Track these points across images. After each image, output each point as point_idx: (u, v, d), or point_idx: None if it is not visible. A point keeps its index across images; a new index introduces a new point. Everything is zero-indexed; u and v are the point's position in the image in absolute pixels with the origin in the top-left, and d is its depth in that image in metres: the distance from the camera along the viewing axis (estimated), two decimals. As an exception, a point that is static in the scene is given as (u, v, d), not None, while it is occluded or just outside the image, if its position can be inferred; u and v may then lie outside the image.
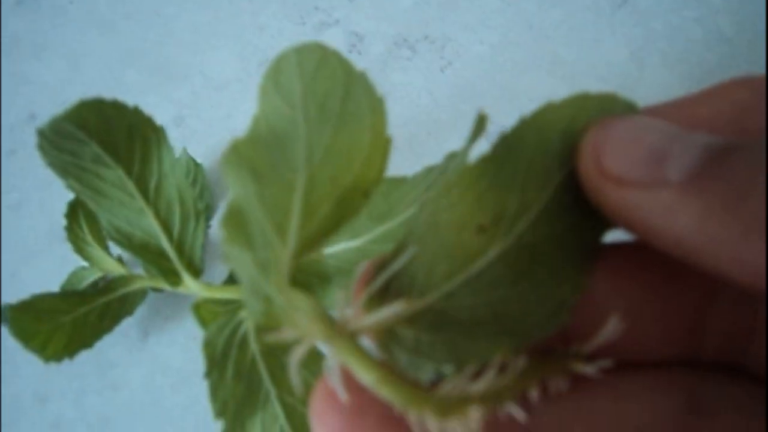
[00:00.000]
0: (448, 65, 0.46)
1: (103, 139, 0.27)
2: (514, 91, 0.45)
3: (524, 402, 0.14)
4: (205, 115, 0.45)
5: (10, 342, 0.33)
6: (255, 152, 0.15)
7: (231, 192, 0.14)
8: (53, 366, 0.34)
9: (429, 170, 0.28)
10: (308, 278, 0.30)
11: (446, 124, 0.44)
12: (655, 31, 0.45)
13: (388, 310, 0.14)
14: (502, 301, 0.14)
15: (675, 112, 0.14)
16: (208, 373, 0.28)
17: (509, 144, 0.15)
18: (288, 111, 0.15)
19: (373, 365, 0.13)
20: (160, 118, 0.31)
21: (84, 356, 0.35)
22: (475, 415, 0.13)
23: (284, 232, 0.14)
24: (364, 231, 0.29)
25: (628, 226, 0.14)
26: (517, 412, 0.13)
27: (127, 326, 0.38)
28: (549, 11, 0.46)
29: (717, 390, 0.15)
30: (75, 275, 0.40)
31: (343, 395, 0.13)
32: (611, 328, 0.14)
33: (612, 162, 0.13)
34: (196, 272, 0.34)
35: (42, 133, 0.26)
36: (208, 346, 0.28)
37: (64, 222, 0.38)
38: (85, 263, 0.40)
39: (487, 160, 0.14)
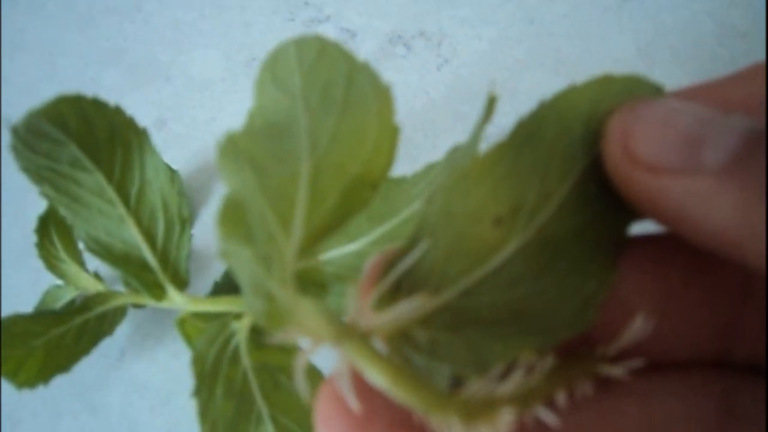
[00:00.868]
0: (445, 63, 0.46)
1: (83, 141, 0.27)
2: (514, 90, 0.45)
3: (550, 406, 0.14)
4: (188, 118, 0.45)
5: (-20, 362, 0.33)
6: (253, 144, 0.14)
7: (227, 185, 0.14)
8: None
9: (430, 168, 0.28)
10: (304, 287, 0.30)
11: (443, 125, 0.44)
12: (665, 25, 0.45)
13: (404, 306, 0.14)
14: (524, 299, 0.14)
15: (706, 95, 0.14)
16: (197, 392, 0.27)
17: (528, 129, 0.14)
18: (287, 103, 0.15)
19: (390, 367, 0.13)
20: (140, 121, 0.31)
21: (59, 377, 0.34)
22: (505, 418, 0.13)
23: (288, 224, 0.14)
24: (362, 233, 0.29)
25: (658, 217, 0.13)
26: (548, 416, 0.13)
27: (104, 345, 0.37)
28: (552, 5, 0.46)
29: (752, 394, 0.15)
30: (49, 294, 0.40)
31: (353, 401, 0.13)
32: (638, 327, 0.14)
33: (642, 147, 0.13)
34: (181, 285, 0.33)
35: (16, 132, 0.25)
36: (197, 361, 0.27)
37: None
38: (59, 281, 0.39)
39: (503, 147, 0.14)
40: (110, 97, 0.29)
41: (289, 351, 0.30)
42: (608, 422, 0.15)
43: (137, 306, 0.37)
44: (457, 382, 0.14)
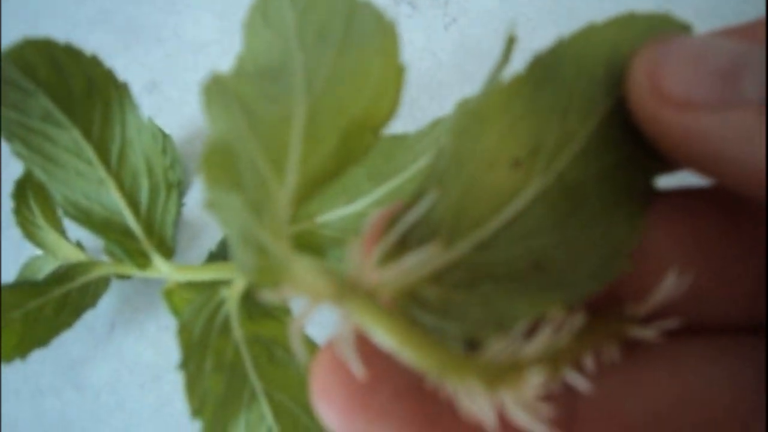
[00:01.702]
0: (453, 22, 0.45)
1: (55, 92, 0.26)
2: (525, 49, 0.44)
3: (578, 370, 0.13)
4: (181, 81, 0.44)
5: (-42, 337, 0.32)
6: (243, 84, 0.14)
7: (212, 127, 0.13)
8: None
9: (435, 124, 0.27)
10: (300, 251, 0.29)
11: (450, 86, 0.43)
12: (686, -21, 0.44)
13: (412, 260, 0.13)
14: (545, 250, 0.13)
15: (738, 34, 0.14)
16: (184, 364, 0.26)
17: (545, 67, 0.14)
18: (280, 44, 0.15)
19: (401, 326, 0.12)
20: (131, 84, 0.30)
21: (41, 352, 0.33)
22: (532, 382, 0.12)
23: (281, 169, 0.13)
24: (362, 193, 0.27)
25: (691, 159, 0.13)
26: (577, 380, 0.12)
27: (91, 318, 0.37)
28: (564, -41, 0.45)
29: None
30: (29, 266, 0.39)
31: (357, 367, 0.12)
32: (670, 284, 0.13)
33: (673, 82, 0.12)
34: (168, 253, 0.33)
35: (-19, 81, 0.24)
36: (184, 331, 0.27)
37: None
38: (39, 251, 0.38)
39: (520, 82, 0.14)
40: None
41: (285, 321, 0.29)
42: (637, 388, 0.14)
43: (122, 277, 0.36)
44: (470, 346, 0.13)
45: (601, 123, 0.14)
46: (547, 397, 0.13)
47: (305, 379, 0.28)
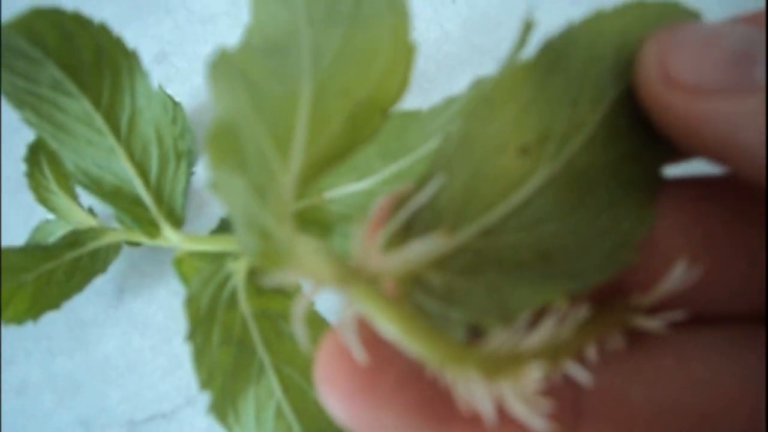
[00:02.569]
0: (460, -5, 0.44)
1: (64, 61, 0.25)
2: (536, 26, 0.43)
3: (580, 361, 0.13)
4: (190, 52, 0.43)
5: (-30, 298, 0.32)
6: (249, 61, 0.13)
7: (217, 106, 0.12)
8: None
9: (449, 102, 0.26)
10: (307, 227, 0.28)
11: (458, 58, 0.42)
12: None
13: (417, 246, 0.12)
14: (552, 238, 0.13)
15: (746, 21, 0.13)
16: (191, 336, 0.26)
17: (555, 52, 0.13)
18: (288, 17, 0.14)
19: (402, 314, 0.12)
20: (140, 55, 0.29)
21: (53, 315, 0.33)
22: (532, 374, 0.11)
23: (286, 150, 0.12)
24: (372, 171, 0.27)
25: (703, 146, 0.12)
26: (578, 372, 0.12)
27: (101, 282, 0.37)
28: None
29: None
30: (40, 229, 0.39)
31: (359, 352, 0.12)
32: (678, 274, 0.13)
33: (684, 68, 0.12)
34: (177, 222, 0.32)
35: (-7, 51, 0.23)
36: (191, 304, 0.26)
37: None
38: (51, 215, 0.38)
39: (530, 67, 0.13)
40: (109, 28, 0.28)
41: (293, 296, 0.28)
42: (643, 379, 0.13)
43: (132, 244, 0.36)
44: (474, 333, 0.12)
45: (611, 111, 0.13)
46: (553, 387, 0.13)
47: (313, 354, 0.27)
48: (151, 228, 0.32)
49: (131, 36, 0.43)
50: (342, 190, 0.28)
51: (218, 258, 0.29)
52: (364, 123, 0.13)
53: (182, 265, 0.33)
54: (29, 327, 0.34)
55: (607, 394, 0.13)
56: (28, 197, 0.37)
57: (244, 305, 0.27)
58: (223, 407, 0.26)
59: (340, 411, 0.13)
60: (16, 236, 0.40)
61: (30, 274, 0.33)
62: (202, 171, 0.39)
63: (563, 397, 0.13)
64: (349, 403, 0.12)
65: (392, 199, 0.13)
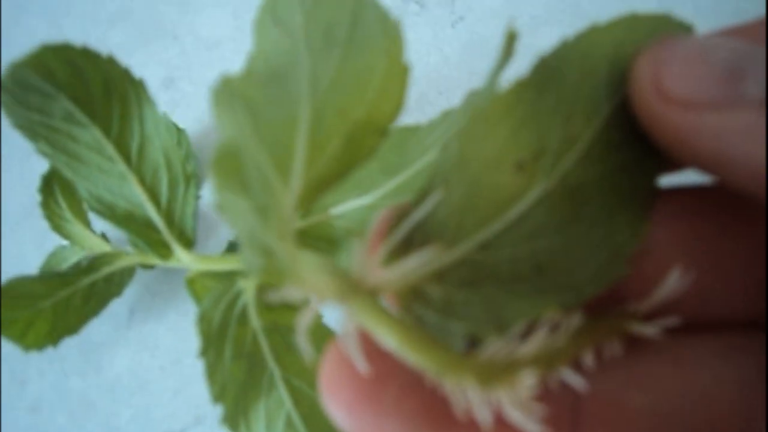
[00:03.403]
0: (460, 20, 0.44)
1: (75, 93, 0.25)
2: (531, 46, 0.43)
3: (576, 368, 0.12)
4: (197, 77, 0.44)
5: (-14, 320, 0.32)
6: (250, 87, 0.13)
7: (221, 132, 0.12)
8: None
9: (446, 114, 0.26)
10: (314, 243, 0.28)
11: (458, 82, 0.42)
12: (687, -23, 0.43)
13: (415, 259, 0.12)
14: (547, 252, 0.13)
15: (738, 35, 0.13)
16: (204, 352, 0.26)
17: (549, 69, 0.13)
18: (288, 43, 0.14)
19: (400, 326, 0.12)
20: (148, 80, 0.30)
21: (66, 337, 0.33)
22: (525, 381, 0.11)
23: (287, 173, 0.12)
24: (375, 186, 0.27)
25: (694, 158, 0.12)
26: (574, 379, 0.12)
27: (112, 304, 0.37)
28: (569, -43, 0.44)
29: None
30: (55, 255, 0.39)
31: (361, 363, 0.12)
32: (674, 282, 0.13)
33: (676, 82, 0.12)
34: (188, 243, 0.32)
35: (4, 86, 0.23)
36: (203, 321, 0.26)
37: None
38: (65, 241, 0.38)
39: (523, 86, 0.13)
40: (117, 57, 0.28)
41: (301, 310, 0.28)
42: (639, 386, 0.13)
43: (146, 267, 0.36)
44: (472, 344, 0.12)
45: (605, 125, 0.13)
46: (551, 395, 0.13)
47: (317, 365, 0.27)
48: (163, 250, 0.32)
49: (139, 62, 0.44)
50: (347, 206, 0.28)
51: (229, 277, 0.29)
52: (362, 142, 0.13)
53: (194, 284, 0.33)
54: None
55: (606, 401, 0.13)
56: (40, 222, 0.38)
57: (255, 321, 0.27)
58: (235, 419, 0.27)
59: (343, 420, 0.13)
60: (29, 261, 0.40)
61: (48, 300, 0.33)
62: (209, 195, 0.39)
63: (562, 403, 0.13)
64: (353, 412, 0.12)
65: (391, 214, 0.13)
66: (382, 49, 0.14)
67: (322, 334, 0.26)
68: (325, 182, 0.13)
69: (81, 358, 0.38)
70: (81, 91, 0.26)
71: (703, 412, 0.13)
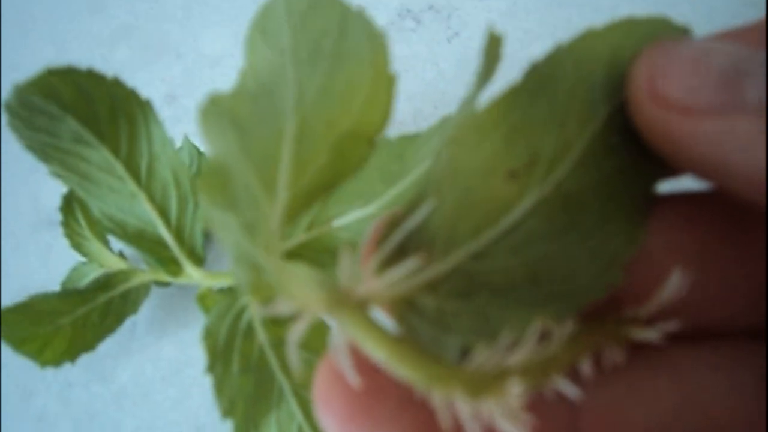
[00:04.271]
0: (455, 36, 0.44)
1: (82, 115, 0.25)
2: (525, 61, 0.42)
3: (573, 377, 0.12)
4: (199, 94, 0.43)
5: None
6: (237, 104, 0.13)
7: (209, 148, 0.12)
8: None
9: (445, 120, 0.26)
10: (319, 256, 0.27)
11: (454, 97, 0.41)
12: (676, -6, 0.42)
13: (404, 268, 0.11)
14: (542, 260, 0.12)
15: (734, 38, 0.12)
16: (211, 368, 0.25)
17: (542, 74, 0.12)
18: (277, 59, 0.13)
19: (387, 339, 0.11)
20: (151, 96, 0.29)
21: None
22: (514, 391, 0.10)
23: (273, 187, 0.12)
24: (376, 195, 0.26)
25: (692, 164, 0.11)
26: (568, 388, 0.11)
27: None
28: (561, -26, 0.43)
29: None
30: (76, 272, 0.38)
31: (352, 377, 0.11)
32: (674, 285, 0.12)
33: (674, 87, 0.11)
34: (198, 260, 0.32)
35: (9, 109, 0.23)
36: (209, 336, 0.25)
37: (55, 212, 0.36)
38: (68, 258, 0.37)
39: (516, 93, 0.12)
40: (121, 75, 0.28)
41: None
42: (638, 396, 0.12)
43: (161, 284, 0.36)
44: (466, 355, 0.11)
45: (601, 130, 0.12)
46: (549, 405, 0.12)
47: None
48: (174, 267, 0.31)
49: (143, 79, 0.44)
50: (349, 217, 0.27)
51: (234, 292, 0.29)
52: (349, 153, 0.13)
53: (206, 300, 0.33)
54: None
55: (604, 412, 0.13)
56: (46, 236, 0.37)
57: (261, 335, 0.27)
58: (246, 433, 0.26)
59: None
60: (35, 275, 0.40)
61: (67, 317, 0.32)
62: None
63: (559, 416, 0.12)
64: (346, 427, 0.12)
65: (383, 225, 0.13)
66: (368, 60, 0.13)
67: (321, 337, 0.26)
68: (314, 194, 0.13)
69: (86, 369, 0.37)
70: (88, 113, 0.25)
71: (700, 422, 0.12)
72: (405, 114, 0.40)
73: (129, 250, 0.38)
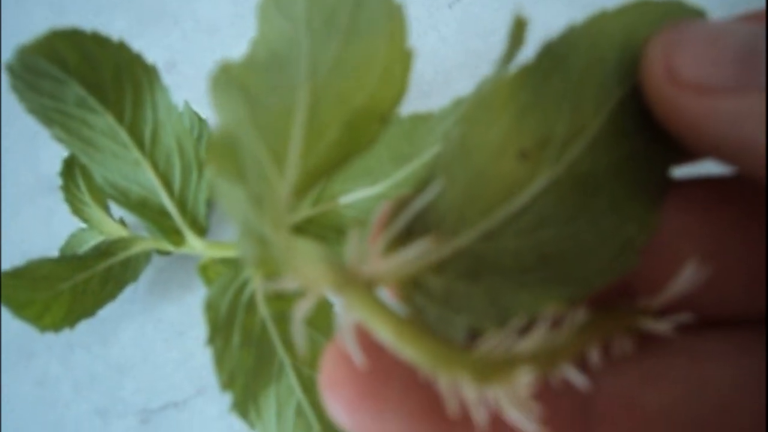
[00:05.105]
0: (456, 1, 0.43)
1: (86, 79, 0.24)
2: (529, 26, 0.42)
3: (583, 365, 0.12)
4: (198, 60, 0.43)
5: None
6: (249, 74, 0.13)
7: (219, 118, 0.12)
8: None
9: (458, 102, 0.25)
10: (324, 232, 0.28)
11: (455, 62, 0.41)
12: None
13: (414, 249, 0.11)
14: (553, 242, 0.12)
15: (753, 20, 0.12)
16: (211, 340, 0.25)
17: (556, 54, 0.12)
18: (290, 30, 0.13)
19: (394, 319, 0.11)
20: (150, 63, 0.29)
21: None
22: (523, 379, 0.10)
23: (283, 161, 0.12)
24: (385, 175, 0.26)
25: (710, 145, 0.11)
26: (576, 377, 0.11)
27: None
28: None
29: None
30: (75, 238, 0.38)
31: (358, 358, 0.11)
32: (688, 276, 0.12)
33: (690, 66, 0.11)
34: (201, 230, 0.32)
35: (12, 71, 0.23)
36: (210, 309, 0.26)
37: (55, 177, 0.36)
38: (69, 223, 0.38)
39: (529, 70, 0.12)
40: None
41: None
42: (651, 385, 0.13)
43: (162, 253, 0.36)
44: (474, 336, 0.11)
45: (614, 112, 0.12)
46: (563, 392, 0.12)
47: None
48: (176, 236, 0.31)
49: (141, 46, 0.43)
50: (356, 195, 0.27)
51: (237, 264, 0.29)
52: (362, 130, 0.13)
53: (207, 271, 0.33)
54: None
55: (618, 399, 0.13)
56: (47, 201, 0.37)
57: (263, 309, 0.27)
58: (245, 406, 0.26)
59: (343, 418, 0.12)
60: (36, 241, 0.40)
61: (66, 283, 0.32)
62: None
63: (573, 402, 0.12)
64: (353, 410, 0.12)
65: (393, 205, 0.12)
66: (385, 34, 0.13)
67: (327, 315, 0.26)
68: (324, 170, 0.13)
69: (87, 331, 0.37)
70: (92, 77, 0.25)
71: (715, 408, 0.12)
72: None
73: (130, 218, 0.38)
